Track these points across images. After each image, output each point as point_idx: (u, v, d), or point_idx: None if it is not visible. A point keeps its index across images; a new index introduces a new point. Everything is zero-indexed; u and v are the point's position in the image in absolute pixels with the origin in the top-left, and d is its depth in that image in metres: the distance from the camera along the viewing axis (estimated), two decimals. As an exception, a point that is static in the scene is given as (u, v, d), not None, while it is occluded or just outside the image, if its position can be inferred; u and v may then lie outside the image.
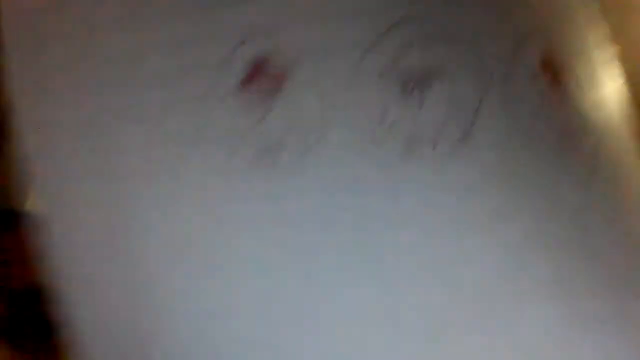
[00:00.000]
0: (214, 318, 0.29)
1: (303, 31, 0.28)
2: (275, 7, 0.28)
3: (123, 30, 0.30)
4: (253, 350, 0.29)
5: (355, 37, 0.28)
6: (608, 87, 0.36)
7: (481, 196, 0.28)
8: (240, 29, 0.29)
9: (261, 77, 0.29)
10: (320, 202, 0.28)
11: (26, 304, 0.47)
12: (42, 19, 0.32)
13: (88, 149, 0.31)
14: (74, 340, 0.32)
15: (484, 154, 0.28)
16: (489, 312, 0.28)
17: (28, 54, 0.32)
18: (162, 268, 0.30)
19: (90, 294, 0.32)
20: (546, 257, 0.29)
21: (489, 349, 0.28)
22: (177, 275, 0.29)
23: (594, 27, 0.37)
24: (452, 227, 0.28)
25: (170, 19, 0.30)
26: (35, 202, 0.36)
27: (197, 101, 0.29)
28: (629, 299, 0.30)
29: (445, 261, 0.28)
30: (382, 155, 0.28)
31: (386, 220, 0.28)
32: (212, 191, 0.29)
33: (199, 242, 0.29)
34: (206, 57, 0.29)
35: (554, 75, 0.31)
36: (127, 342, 0.31)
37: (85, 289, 0.32)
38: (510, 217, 0.29)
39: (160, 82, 0.29)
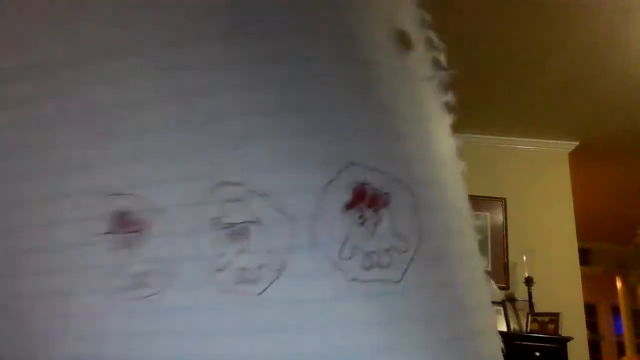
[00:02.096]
0: None
1: (151, 191, 0.37)
2: (125, 172, 0.38)
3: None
4: None
5: (190, 194, 0.37)
6: (450, 188, 0.40)
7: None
8: (100, 188, 0.38)
9: (128, 223, 0.38)
10: (180, 320, 0.37)
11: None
12: None
13: None
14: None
15: (297, 283, 0.35)
16: None
17: None
18: None
19: None
20: None
21: None
22: None
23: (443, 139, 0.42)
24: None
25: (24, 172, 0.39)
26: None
27: (71, 246, 0.38)
28: None
29: None
30: (219, 288, 0.36)
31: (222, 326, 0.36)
32: (91, 308, 0.38)
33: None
34: (75, 212, 0.38)
35: (370, 202, 0.36)
36: None
37: None
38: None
39: (35, 230, 0.39)
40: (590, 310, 4.78)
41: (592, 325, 4.81)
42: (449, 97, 0.42)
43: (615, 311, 5.01)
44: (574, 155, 3.08)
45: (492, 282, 0.41)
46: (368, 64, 0.38)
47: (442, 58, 0.43)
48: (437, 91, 0.42)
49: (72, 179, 0.38)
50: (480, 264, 0.40)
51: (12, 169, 0.38)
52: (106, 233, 0.38)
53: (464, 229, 0.39)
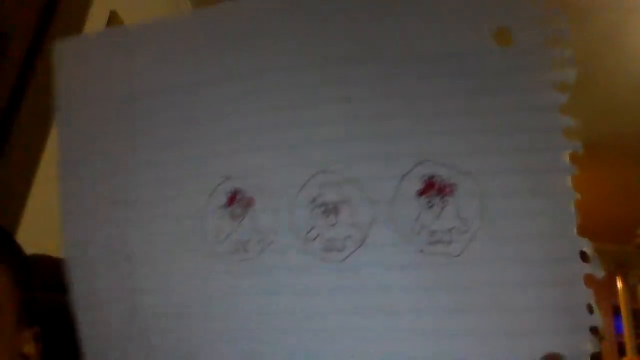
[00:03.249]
0: None
1: (263, 176, 0.48)
2: (243, 161, 0.49)
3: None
4: None
5: (294, 179, 0.47)
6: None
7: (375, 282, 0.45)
8: (222, 172, 0.50)
9: (237, 200, 0.49)
10: (273, 279, 0.47)
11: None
12: None
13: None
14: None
15: (375, 252, 0.45)
16: None
17: None
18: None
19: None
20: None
21: None
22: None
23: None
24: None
25: (175, 159, 0.52)
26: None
27: (197, 213, 0.50)
28: None
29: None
30: (308, 257, 0.46)
31: (307, 292, 0.46)
32: (203, 266, 0.49)
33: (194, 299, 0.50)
34: (200, 187, 0.50)
35: (438, 190, 0.44)
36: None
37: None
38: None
39: (173, 202, 0.51)
40: (591, 310, 4.76)
41: (592, 325, 4.78)
42: (560, 96, 0.43)
43: (616, 311, 5.01)
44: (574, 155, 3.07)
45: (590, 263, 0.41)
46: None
47: (568, 58, 0.43)
48: (544, 89, 0.44)
49: (205, 163, 0.50)
50: (560, 245, 0.42)
51: (164, 157, 0.52)
52: (223, 206, 0.49)
53: (530, 212, 0.43)
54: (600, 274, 0.40)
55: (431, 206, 0.44)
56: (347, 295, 0.44)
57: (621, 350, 4.94)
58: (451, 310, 0.42)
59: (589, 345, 0.40)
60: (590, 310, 0.40)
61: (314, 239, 0.46)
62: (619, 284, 4.72)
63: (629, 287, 4.67)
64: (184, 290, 0.49)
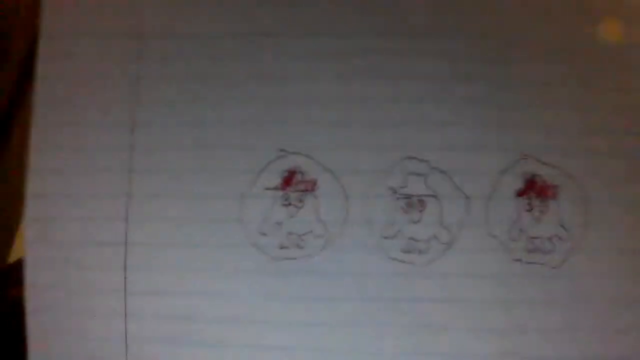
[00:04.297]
0: None
1: (332, 154, 0.40)
2: (308, 134, 0.40)
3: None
4: None
5: (374, 162, 0.40)
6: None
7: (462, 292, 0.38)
8: (278, 145, 0.40)
9: (295, 182, 0.40)
10: (334, 282, 0.39)
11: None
12: None
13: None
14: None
15: (464, 258, 0.39)
16: None
17: None
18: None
19: None
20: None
21: None
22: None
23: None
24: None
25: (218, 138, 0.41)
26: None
27: (237, 195, 0.40)
28: None
29: None
30: (386, 255, 0.39)
31: (384, 298, 0.39)
32: (239, 263, 0.40)
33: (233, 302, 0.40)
34: (244, 162, 0.40)
35: (538, 192, 0.39)
36: None
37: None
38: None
39: (200, 178, 0.40)
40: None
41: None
42: None
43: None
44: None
45: None
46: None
47: None
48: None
49: (255, 133, 0.40)
50: None
51: (198, 116, 0.41)
52: (273, 188, 0.40)
53: (633, 223, 0.39)
54: None
55: (531, 209, 0.40)
56: (428, 307, 0.38)
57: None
58: (549, 330, 0.38)
59: None
60: None
61: (393, 237, 0.39)
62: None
63: None
64: (207, 293, 0.39)
